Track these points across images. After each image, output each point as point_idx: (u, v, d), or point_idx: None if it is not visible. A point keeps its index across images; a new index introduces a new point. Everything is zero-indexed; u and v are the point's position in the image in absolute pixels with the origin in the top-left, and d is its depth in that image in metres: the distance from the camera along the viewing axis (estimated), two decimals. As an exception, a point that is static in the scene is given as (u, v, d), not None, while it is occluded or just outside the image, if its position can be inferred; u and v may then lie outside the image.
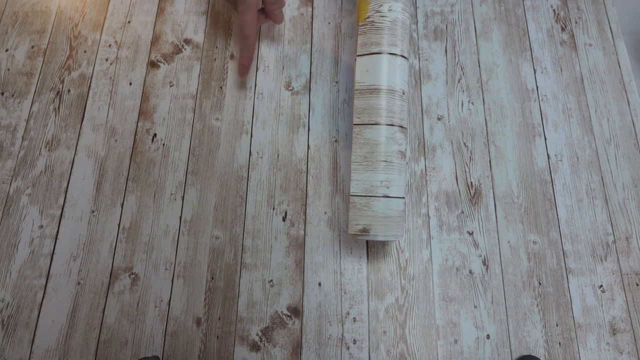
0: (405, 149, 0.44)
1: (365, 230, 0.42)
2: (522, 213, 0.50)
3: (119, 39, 0.57)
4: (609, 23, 0.58)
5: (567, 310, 0.47)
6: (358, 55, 0.45)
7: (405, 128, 0.45)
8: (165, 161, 0.52)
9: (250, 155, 0.52)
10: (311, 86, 0.55)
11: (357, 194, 0.43)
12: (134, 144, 0.53)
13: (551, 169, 0.51)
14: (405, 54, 0.45)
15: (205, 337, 0.46)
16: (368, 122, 0.44)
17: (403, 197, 0.44)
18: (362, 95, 0.44)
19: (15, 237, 0.49)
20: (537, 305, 0.47)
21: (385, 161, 0.43)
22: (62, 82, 0.56)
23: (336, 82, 0.55)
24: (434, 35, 0.57)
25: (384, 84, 0.43)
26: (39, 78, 0.56)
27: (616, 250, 0.49)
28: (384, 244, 0.49)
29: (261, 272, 0.48)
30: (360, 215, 0.43)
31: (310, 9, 0.58)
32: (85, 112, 0.54)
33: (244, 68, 0.51)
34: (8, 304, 0.47)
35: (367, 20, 0.45)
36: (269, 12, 0.51)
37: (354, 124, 0.45)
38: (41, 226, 0.50)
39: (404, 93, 0.44)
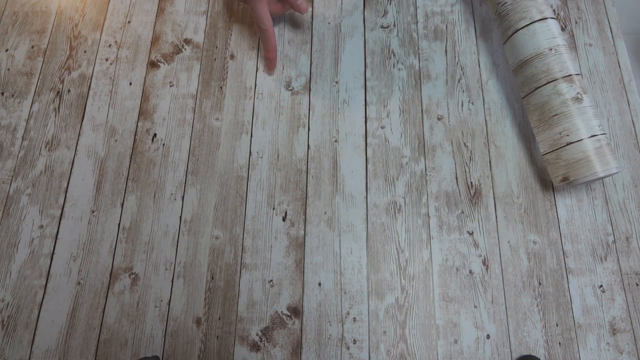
0: (578, 93, 0.45)
1: (565, 179, 0.46)
2: (522, 213, 0.50)
3: (119, 39, 0.57)
4: (609, 23, 0.58)
5: (567, 310, 0.47)
6: (504, 44, 0.51)
7: (570, 75, 0.46)
8: (165, 161, 0.52)
9: (250, 155, 0.52)
10: (311, 86, 0.55)
11: (547, 152, 0.48)
12: (134, 144, 0.53)
13: (551, 169, 0.51)
14: (539, 17, 0.47)
15: (205, 337, 0.46)
16: (529, 92, 0.49)
17: (591, 136, 0.45)
18: (516, 72, 0.50)
19: (15, 237, 0.49)
20: (537, 305, 0.47)
21: (556, 115, 0.46)
22: (62, 82, 0.56)
23: (336, 82, 0.55)
24: (434, 35, 0.57)
25: (527, 54, 0.48)
26: (39, 78, 0.56)
27: (616, 250, 0.49)
28: (383, 243, 0.49)
29: (261, 272, 0.48)
30: (556, 168, 0.47)
31: (310, 9, 0.58)
32: (85, 112, 0.54)
33: (270, 61, 0.53)
34: (8, 304, 0.47)
35: (495, 10, 0.51)
36: (292, 3, 0.51)
37: (522, 98, 0.51)
38: (41, 226, 0.50)
39: (551, 49, 0.46)
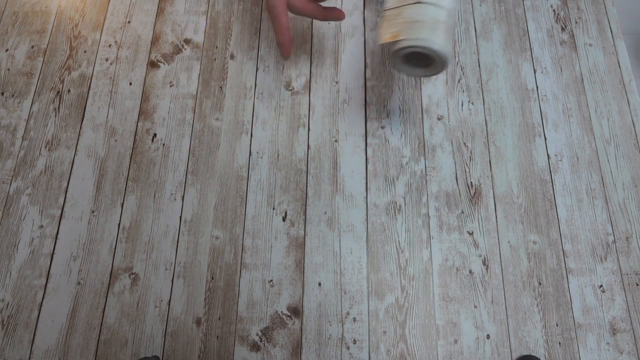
0: None
1: (394, 37, 0.41)
2: (522, 213, 0.50)
3: (119, 39, 0.57)
4: (609, 23, 0.58)
5: (567, 310, 0.47)
6: None
7: None
8: (165, 161, 0.52)
9: (250, 155, 0.52)
10: (311, 86, 0.55)
11: (391, 7, 0.42)
12: (134, 144, 0.53)
13: (551, 169, 0.51)
14: None
15: (205, 337, 0.46)
16: None
17: (443, 7, 0.40)
18: None
19: (15, 237, 0.49)
20: (537, 305, 0.47)
21: None
22: (62, 82, 0.56)
23: (336, 82, 0.55)
24: (434, 35, 0.57)
25: None
26: (39, 78, 0.56)
27: (616, 250, 0.49)
28: (383, 243, 0.49)
29: (261, 272, 0.48)
30: (390, 25, 0.41)
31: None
32: (85, 112, 0.54)
33: (284, 48, 0.47)
34: (8, 304, 0.47)
35: None
36: (326, 12, 0.47)
37: None
38: (41, 226, 0.50)
39: None
